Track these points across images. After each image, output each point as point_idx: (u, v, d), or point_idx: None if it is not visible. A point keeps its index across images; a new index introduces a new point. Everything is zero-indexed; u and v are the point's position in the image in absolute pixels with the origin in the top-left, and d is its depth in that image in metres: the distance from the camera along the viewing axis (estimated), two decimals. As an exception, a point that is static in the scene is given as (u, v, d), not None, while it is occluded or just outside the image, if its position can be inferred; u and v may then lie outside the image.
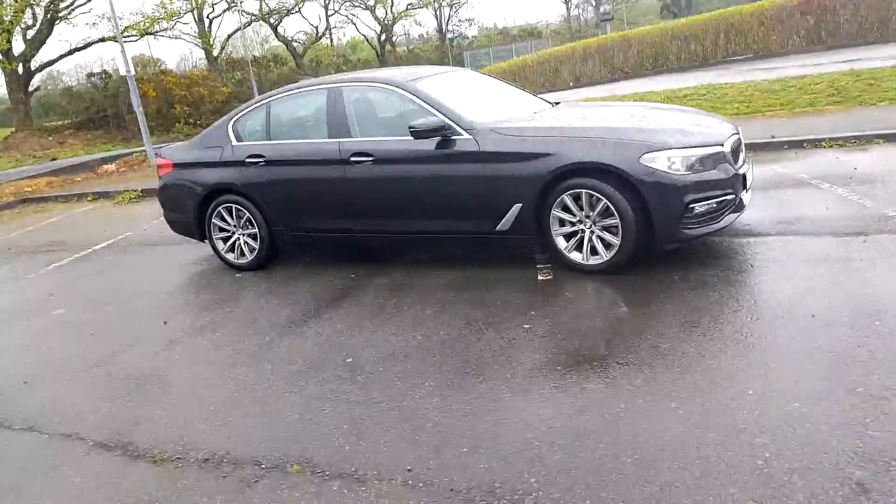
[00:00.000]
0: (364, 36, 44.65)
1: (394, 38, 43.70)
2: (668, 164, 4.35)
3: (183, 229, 6.51)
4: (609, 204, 4.45)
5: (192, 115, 22.61)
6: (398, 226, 5.28)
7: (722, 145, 4.56)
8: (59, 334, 5.17)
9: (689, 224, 4.40)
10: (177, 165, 6.23)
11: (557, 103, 5.92)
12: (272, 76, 27.97)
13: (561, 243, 4.75)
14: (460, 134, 4.88)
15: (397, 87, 5.29)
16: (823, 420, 2.73)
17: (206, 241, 6.22)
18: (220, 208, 5.97)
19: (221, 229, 6.07)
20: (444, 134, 4.89)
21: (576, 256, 4.73)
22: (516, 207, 4.74)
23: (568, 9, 54.37)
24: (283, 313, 4.88)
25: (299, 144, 5.63)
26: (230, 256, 6.09)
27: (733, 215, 4.59)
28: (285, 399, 3.60)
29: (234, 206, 5.89)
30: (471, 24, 42.19)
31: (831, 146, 7.59)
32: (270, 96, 5.93)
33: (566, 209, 4.67)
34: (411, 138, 5.09)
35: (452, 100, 5.16)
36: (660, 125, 4.77)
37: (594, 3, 52.90)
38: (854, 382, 2.97)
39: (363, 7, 41.62)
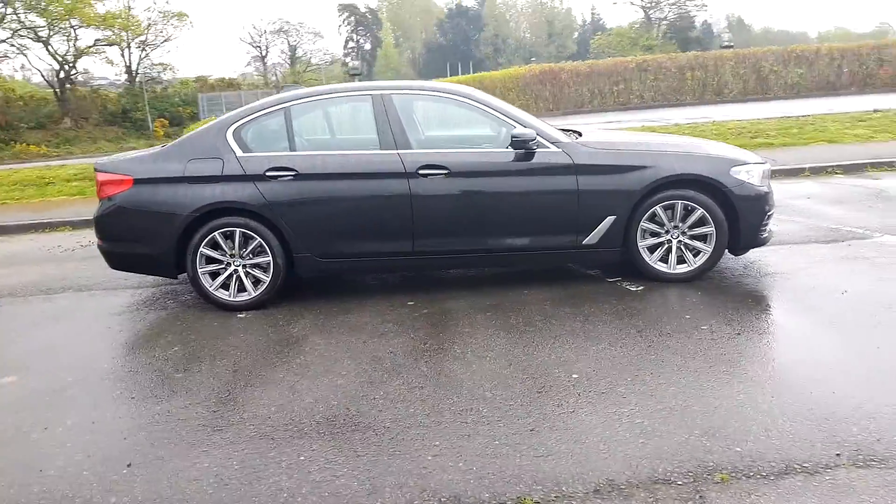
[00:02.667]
0: (39, 70, 38.64)
1: (74, 76, 38.69)
2: (749, 176, 4.83)
3: (137, 264, 5.13)
4: (705, 213, 4.76)
5: None
6: (471, 244, 4.89)
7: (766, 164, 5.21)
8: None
9: (763, 231, 4.92)
10: (140, 182, 4.90)
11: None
12: None
13: (645, 254, 4.90)
14: (547, 147, 4.79)
15: (463, 96, 4.99)
16: None
17: (182, 276, 4.97)
18: (215, 234, 4.83)
19: (210, 261, 4.90)
20: (532, 147, 4.75)
21: (661, 266, 4.92)
22: (609, 220, 4.78)
23: (264, 63, 54.41)
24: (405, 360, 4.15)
25: (346, 156, 4.89)
26: (222, 294, 4.94)
27: None
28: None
29: (238, 230, 4.83)
30: (165, 69, 39.32)
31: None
32: (285, 100, 5.04)
33: (654, 220, 4.85)
34: (490, 149, 4.88)
35: (516, 112, 5.04)
36: (716, 145, 5.27)
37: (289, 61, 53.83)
38: None
39: (34, 38, 36.19)
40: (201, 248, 4.86)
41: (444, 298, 4.94)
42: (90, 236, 8.25)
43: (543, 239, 4.87)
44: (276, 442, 3.09)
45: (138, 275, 6.04)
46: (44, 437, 3.27)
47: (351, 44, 79.78)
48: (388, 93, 4.98)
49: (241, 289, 4.95)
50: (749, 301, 4.54)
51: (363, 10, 79.17)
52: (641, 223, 4.83)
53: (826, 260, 5.28)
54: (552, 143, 4.82)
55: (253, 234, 4.83)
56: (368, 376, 3.72)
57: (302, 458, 2.95)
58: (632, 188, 4.75)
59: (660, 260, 4.93)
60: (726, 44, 23.01)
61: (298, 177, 4.80)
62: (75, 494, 2.77)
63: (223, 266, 4.92)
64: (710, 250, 4.84)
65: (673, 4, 52.88)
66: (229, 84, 43.79)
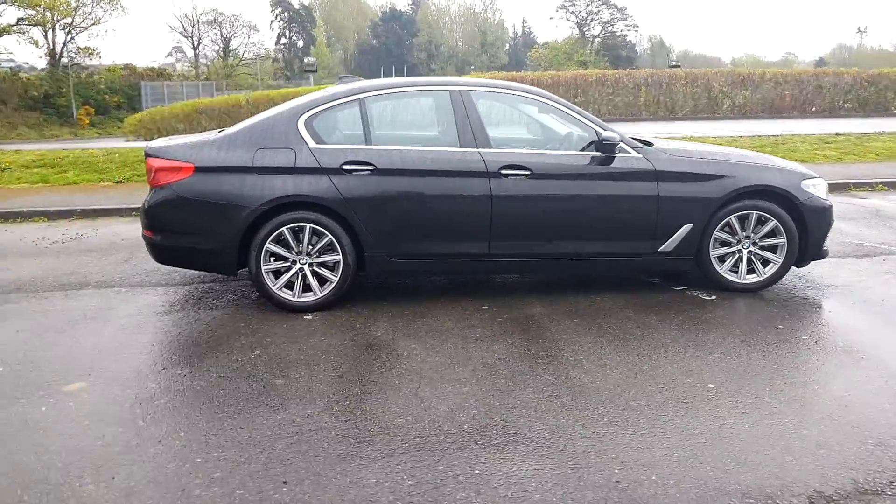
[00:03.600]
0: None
1: (-8, 57, 36.13)
2: (817, 190, 4.94)
3: (193, 259, 4.75)
4: (778, 224, 4.82)
5: None
6: (548, 248, 4.77)
7: (818, 180, 5.34)
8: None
9: (824, 244, 5.03)
10: (202, 170, 4.54)
11: None
12: None
13: (716, 263, 4.92)
14: (628, 152, 4.75)
15: (541, 96, 4.89)
16: None
17: (244, 273, 4.65)
18: (283, 229, 4.53)
19: (274, 258, 4.60)
20: (616, 151, 4.70)
21: (731, 276, 4.95)
22: (686, 228, 4.78)
23: (196, 54, 52.47)
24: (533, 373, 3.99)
25: (426, 152, 4.68)
26: (286, 294, 4.63)
27: None
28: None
29: (309, 226, 4.54)
30: (92, 54, 37.10)
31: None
32: (359, 91, 4.79)
33: (726, 230, 4.88)
34: (572, 151, 4.79)
35: (591, 115, 4.97)
36: (781, 160, 5.36)
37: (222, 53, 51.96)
38: None
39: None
40: (267, 244, 4.54)
41: (517, 303, 4.80)
42: (74, 228, 7.70)
43: (621, 245, 4.81)
44: (438, 454, 2.88)
45: (163, 272, 5.65)
46: (163, 451, 2.93)
47: (283, 40, 78.04)
48: (465, 88, 4.82)
49: (306, 289, 4.65)
50: (830, 311, 4.63)
51: (297, 6, 77.61)
52: (715, 232, 4.85)
53: (872, 273, 5.46)
54: (633, 148, 4.77)
55: (323, 230, 4.55)
56: (492, 384, 3.55)
57: (477, 471, 2.76)
58: (710, 197, 4.76)
59: (730, 270, 4.95)
60: (674, 63, 23.79)
61: (376, 172, 4.56)
62: (248, 516, 2.48)
63: (288, 264, 4.62)
64: (780, 261, 4.90)
65: (606, 23, 54.40)
66: (159, 73, 42.00)
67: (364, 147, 4.64)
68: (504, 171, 4.61)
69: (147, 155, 4.68)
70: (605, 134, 4.65)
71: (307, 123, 4.63)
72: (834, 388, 3.46)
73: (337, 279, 4.63)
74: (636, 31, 60.00)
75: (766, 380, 3.55)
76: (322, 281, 4.66)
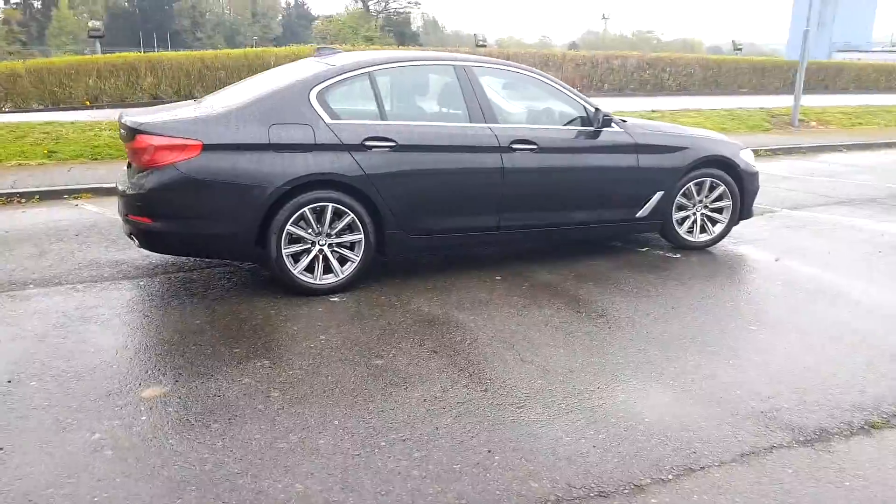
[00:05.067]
0: None
1: None
2: (749, 158, 5.79)
3: (205, 246, 4.35)
4: (725, 189, 5.59)
5: None
6: (550, 218, 5.06)
7: (740, 149, 6.22)
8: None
9: (753, 204, 5.91)
10: (211, 148, 4.15)
11: None
12: None
13: (677, 226, 5.59)
14: (615, 127, 5.19)
15: (537, 74, 5.13)
16: None
17: (263, 259, 4.36)
18: (305, 210, 4.33)
19: (293, 240, 4.38)
20: (611, 125, 5.11)
21: (687, 236, 5.65)
22: (658, 195, 5.36)
23: None
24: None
25: (443, 128, 4.69)
26: (307, 278, 4.44)
27: None
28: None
29: (331, 205, 4.38)
30: None
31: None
32: (366, 64, 4.64)
33: (684, 196, 5.55)
34: (570, 127, 5.12)
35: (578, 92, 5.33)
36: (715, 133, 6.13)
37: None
38: None
39: None
40: (288, 226, 4.29)
41: (525, 272, 5.03)
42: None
43: (609, 212, 5.25)
44: (608, 400, 3.09)
45: (104, 264, 5.06)
46: (338, 443, 2.80)
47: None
48: (469, 65, 4.90)
49: (326, 270, 4.49)
50: (764, 258, 5.47)
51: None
52: (677, 198, 5.48)
53: (772, 227, 6.50)
54: (616, 123, 5.21)
55: (345, 209, 4.41)
56: (581, 343, 3.81)
57: (652, 402, 3.01)
58: (677, 166, 5.36)
59: (686, 231, 5.62)
60: (481, 43, 24.83)
61: (397, 148, 4.50)
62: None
63: (308, 246, 4.41)
64: (727, 221, 5.68)
65: (391, -1, 55.02)
66: None
67: (383, 122, 4.54)
68: (514, 146, 4.79)
69: (137, 131, 4.15)
70: (605, 110, 5.02)
71: (319, 97, 4.42)
72: (771, 292, 4.21)
73: (359, 259, 4.52)
74: (418, 7, 61.58)
75: (782, 320, 4.20)
76: (345, 262, 4.51)
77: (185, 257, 5.17)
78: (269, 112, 4.30)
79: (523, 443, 2.80)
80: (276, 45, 41.28)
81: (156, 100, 17.58)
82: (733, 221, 5.71)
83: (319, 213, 4.37)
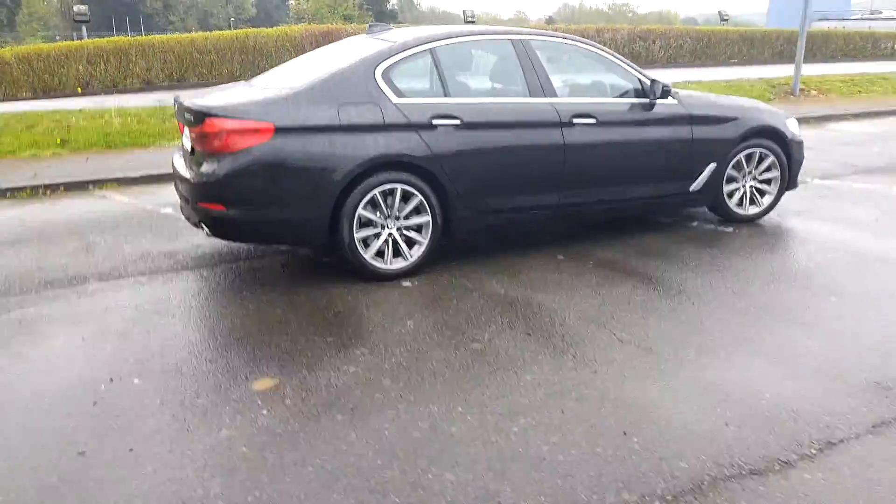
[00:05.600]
0: None
1: None
2: (794, 127, 5.78)
3: (278, 232, 4.28)
4: (774, 159, 5.59)
5: None
6: (611, 194, 5.03)
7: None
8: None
9: (798, 174, 5.92)
10: (283, 131, 4.05)
11: None
12: None
13: (726, 198, 5.58)
14: (667, 98, 5.15)
15: (592, 45, 5.07)
16: None
17: (333, 245, 4.29)
18: (374, 192, 4.26)
19: (363, 224, 4.31)
20: (669, 96, 5.07)
21: (737, 209, 5.65)
22: (711, 167, 5.35)
23: None
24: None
25: (506, 104, 4.63)
26: (378, 263, 4.38)
27: None
28: None
29: (400, 186, 4.31)
30: None
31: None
32: (427, 40, 4.54)
33: (734, 167, 5.54)
34: (627, 99, 5.06)
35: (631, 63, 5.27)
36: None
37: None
38: None
39: None
40: (360, 210, 4.22)
41: (585, 250, 5.00)
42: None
43: (666, 186, 5.23)
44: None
45: (153, 256, 4.96)
46: (516, 432, 2.77)
47: (-15, -15, 66.25)
48: (525, 38, 4.83)
49: (395, 254, 4.43)
50: (814, 228, 5.49)
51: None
52: (727, 170, 5.47)
53: (815, 198, 6.53)
54: (672, 94, 5.17)
55: (413, 190, 4.35)
56: (686, 313, 3.84)
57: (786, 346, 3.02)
58: (729, 137, 5.35)
59: (736, 204, 5.62)
60: (470, 19, 24.57)
61: (463, 126, 4.43)
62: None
63: (378, 230, 4.34)
64: (775, 192, 5.69)
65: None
66: None
67: (448, 100, 4.47)
68: (574, 120, 4.74)
69: (207, 115, 4.02)
70: (659, 81, 4.97)
71: (384, 76, 4.33)
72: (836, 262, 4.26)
73: (426, 241, 4.46)
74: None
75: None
76: (413, 244, 4.46)
77: (239, 245, 5.09)
78: (337, 92, 4.20)
79: (655, 423, 2.79)
80: (251, 27, 40.34)
81: (148, 84, 17.24)
82: (781, 192, 5.72)
83: (388, 196, 4.29)
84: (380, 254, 4.37)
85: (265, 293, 4.24)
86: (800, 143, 5.74)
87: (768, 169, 5.62)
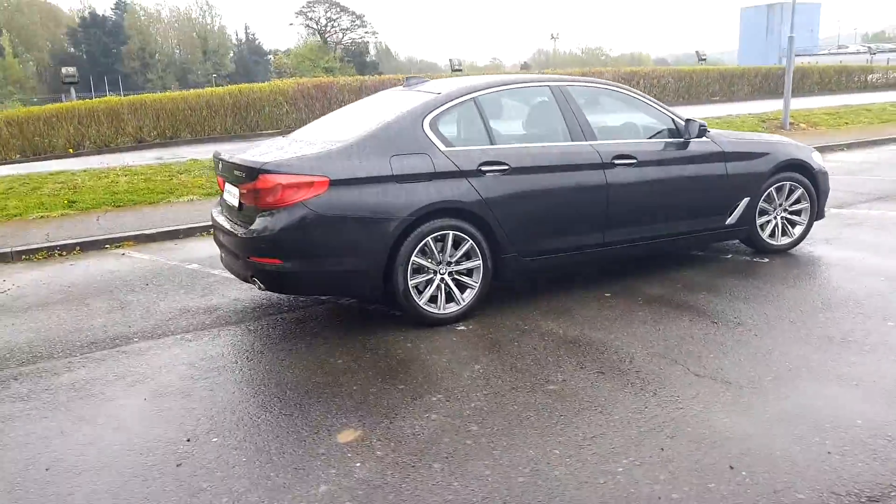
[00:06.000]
0: None
1: None
2: (820, 160, 5.89)
3: (335, 283, 4.26)
4: (803, 191, 5.68)
5: None
6: (651, 231, 5.06)
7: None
8: None
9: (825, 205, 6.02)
10: (338, 183, 4.06)
11: None
12: None
13: (759, 230, 5.64)
14: (702, 137, 5.24)
15: (624, 88, 5.17)
16: None
17: (388, 293, 4.26)
18: (428, 239, 4.26)
19: (415, 271, 4.30)
20: (706, 135, 5.16)
21: (769, 240, 5.71)
22: (745, 201, 5.42)
23: None
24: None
25: (551, 147, 4.68)
26: (432, 309, 4.35)
27: None
28: None
29: (452, 233, 4.32)
30: None
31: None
32: (470, 90, 4.60)
33: (766, 200, 5.62)
34: (664, 139, 5.14)
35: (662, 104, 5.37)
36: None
37: None
38: None
39: None
40: (413, 257, 4.21)
41: (629, 288, 5.01)
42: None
43: (702, 221, 5.28)
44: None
45: (193, 313, 4.89)
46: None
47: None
48: (563, 84, 4.92)
49: (448, 299, 4.41)
50: (843, 255, 5.54)
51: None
52: (760, 203, 5.54)
53: (842, 226, 6.62)
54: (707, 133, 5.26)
55: (464, 235, 4.35)
56: (751, 356, 3.78)
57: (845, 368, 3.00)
58: (761, 171, 5.43)
59: (769, 235, 5.68)
60: (457, 68, 25.02)
61: (510, 171, 4.47)
62: None
63: (430, 276, 4.33)
64: (805, 223, 5.76)
65: (346, 29, 55.24)
66: None
67: (495, 147, 4.52)
68: (615, 161, 4.80)
69: (263, 171, 4.02)
70: (694, 121, 5.07)
71: (432, 125, 4.37)
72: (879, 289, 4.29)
73: (478, 285, 4.46)
74: (376, 36, 61.87)
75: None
76: (465, 288, 4.44)
77: (279, 296, 5.04)
78: (387, 143, 4.23)
79: (758, 456, 2.75)
80: (230, 83, 40.87)
81: (140, 142, 17.26)
82: (811, 222, 5.79)
83: (439, 242, 4.29)
84: (432, 299, 4.34)
85: (319, 344, 4.19)
86: (825, 174, 5.84)
87: (798, 201, 5.70)
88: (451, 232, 4.30)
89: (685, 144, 5.14)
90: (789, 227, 5.76)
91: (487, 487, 2.62)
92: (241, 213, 4.33)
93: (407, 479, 2.70)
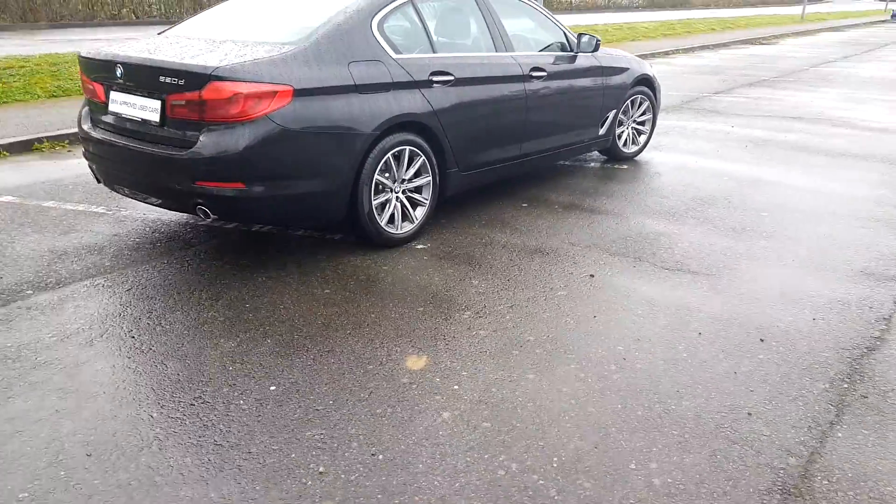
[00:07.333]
0: None
1: None
2: (654, 72, 6.67)
3: (301, 210, 3.84)
4: (649, 103, 6.43)
5: None
6: (555, 142, 5.33)
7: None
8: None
9: (656, 114, 6.85)
10: (302, 93, 3.62)
11: None
12: None
13: (616, 139, 6.30)
14: (598, 51, 5.61)
15: (528, 1, 5.27)
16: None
17: (350, 218, 4.00)
18: (388, 156, 4.06)
19: (378, 190, 4.11)
20: (598, 49, 5.52)
21: (623, 148, 6.40)
22: (612, 113, 5.99)
23: None
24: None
25: (485, 58, 4.63)
26: (390, 229, 4.20)
27: None
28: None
29: (408, 148, 4.16)
30: None
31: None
32: (398, -11, 4.29)
33: (624, 112, 6.27)
34: (561, 53, 5.41)
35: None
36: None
37: None
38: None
39: None
40: (376, 175, 3.99)
41: (540, 197, 5.28)
42: None
43: (586, 132, 5.70)
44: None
45: (98, 244, 4.16)
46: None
47: None
48: (483, -7, 4.84)
49: (403, 218, 4.28)
50: (683, 150, 6.48)
51: None
52: (619, 115, 6.16)
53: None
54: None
55: (418, 151, 4.22)
56: (709, 248, 4.31)
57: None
58: (625, 85, 6.00)
59: (623, 144, 6.36)
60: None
61: (453, 82, 4.37)
62: None
63: (388, 195, 4.15)
64: (648, 132, 6.53)
65: None
66: None
67: (440, 56, 4.35)
68: (532, 73, 4.95)
69: (215, 78, 3.40)
70: (585, 35, 5.37)
71: (380, 28, 4.06)
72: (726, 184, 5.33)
73: (428, 202, 4.37)
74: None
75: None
76: (416, 205, 4.34)
77: (180, 228, 4.40)
78: (342, 48, 3.84)
79: (781, 329, 3.26)
80: None
81: None
82: (652, 132, 6.58)
83: (398, 158, 4.11)
84: (391, 220, 4.17)
85: (299, 272, 3.80)
86: (659, 88, 6.62)
87: (644, 112, 6.41)
88: (407, 147, 4.11)
89: (574, 58, 5.44)
90: (637, 136, 6.47)
91: (575, 388, 2.74)
92: (167, 129, 3.62)
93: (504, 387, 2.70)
